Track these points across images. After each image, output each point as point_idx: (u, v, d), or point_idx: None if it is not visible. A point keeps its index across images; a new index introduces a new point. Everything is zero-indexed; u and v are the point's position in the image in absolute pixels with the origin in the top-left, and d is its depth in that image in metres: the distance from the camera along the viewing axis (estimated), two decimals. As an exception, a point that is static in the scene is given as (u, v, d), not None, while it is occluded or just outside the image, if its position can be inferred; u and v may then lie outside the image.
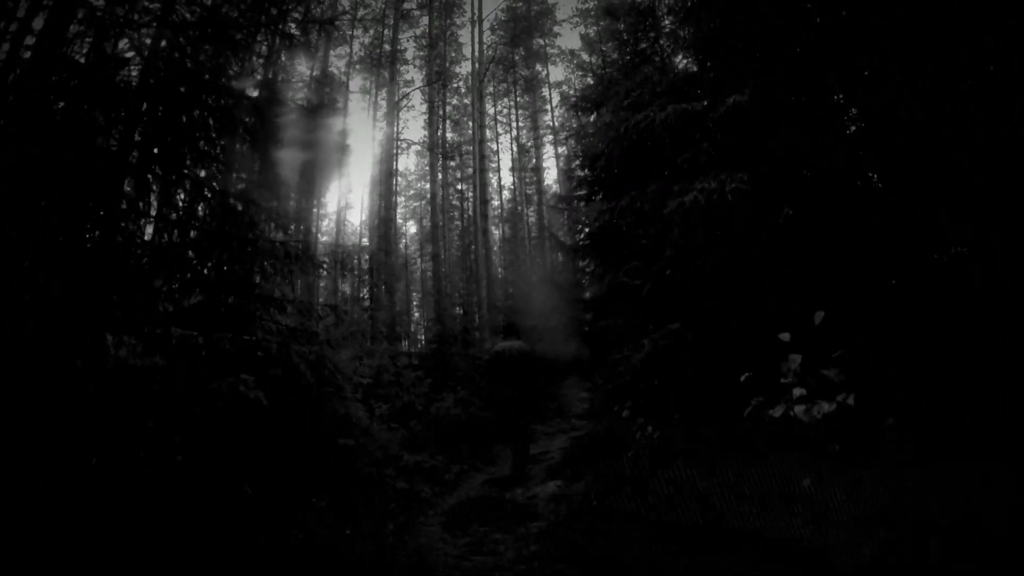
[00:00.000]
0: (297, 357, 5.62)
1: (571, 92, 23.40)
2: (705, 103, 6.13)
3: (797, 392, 3.77)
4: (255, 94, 5.60)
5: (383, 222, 17.71)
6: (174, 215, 4.89)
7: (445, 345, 14.32)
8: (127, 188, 4.53)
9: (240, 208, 5.21)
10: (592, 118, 12.05)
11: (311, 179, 8.00)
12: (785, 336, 3.87)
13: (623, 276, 7.30)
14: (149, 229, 4.88)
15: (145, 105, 4.55)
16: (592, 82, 11.57)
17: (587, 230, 11.60)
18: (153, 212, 4.71)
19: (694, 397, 5.77)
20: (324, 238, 19.55)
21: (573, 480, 8.04)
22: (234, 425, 4.66)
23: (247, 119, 5.12)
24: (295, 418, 6.39)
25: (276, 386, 5.46)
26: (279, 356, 5.49)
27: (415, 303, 18.19)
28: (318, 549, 6.12)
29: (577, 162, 14.21)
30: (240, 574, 4.23)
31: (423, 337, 20.41)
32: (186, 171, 4.89)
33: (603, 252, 9.94)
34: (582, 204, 11.80)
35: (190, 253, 4.90)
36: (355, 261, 18.36)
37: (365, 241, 21.06)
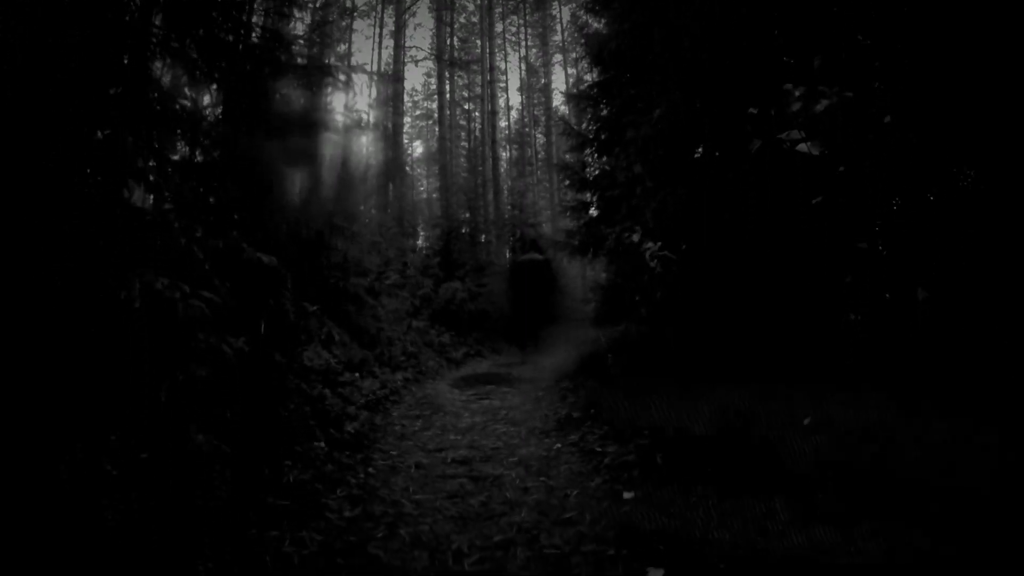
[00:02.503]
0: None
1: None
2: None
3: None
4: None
5: (394, 128, 17.55)
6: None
7: (452, 241, 14.35)
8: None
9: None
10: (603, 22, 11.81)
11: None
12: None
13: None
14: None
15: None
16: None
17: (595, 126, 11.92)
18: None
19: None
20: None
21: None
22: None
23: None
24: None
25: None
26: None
27: (420, 227, 18.09)
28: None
29: (586, 63, 13.96)
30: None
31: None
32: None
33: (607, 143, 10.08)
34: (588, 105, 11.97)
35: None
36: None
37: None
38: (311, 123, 7.60)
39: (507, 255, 17.59)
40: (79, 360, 2.77)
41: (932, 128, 3.36)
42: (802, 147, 4.01)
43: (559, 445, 5.27)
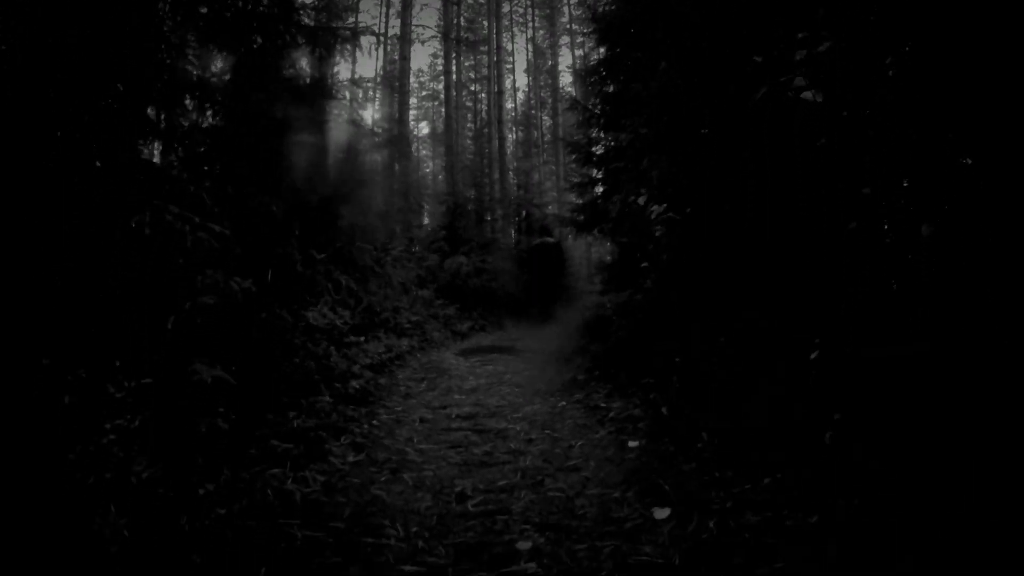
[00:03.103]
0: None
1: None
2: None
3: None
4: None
5: (400, 105, 17.46)
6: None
7: (457, 218, 14.30)
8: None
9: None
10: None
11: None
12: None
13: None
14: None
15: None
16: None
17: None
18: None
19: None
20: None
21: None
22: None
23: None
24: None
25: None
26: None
27: (426, 205, 18.03)
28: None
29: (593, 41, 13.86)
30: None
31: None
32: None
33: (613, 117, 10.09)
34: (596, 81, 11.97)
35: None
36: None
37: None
38: (318, 88, 7.57)
39: (513, 235, 17.56)
40: (86, 285, 2.75)
41: (934, 70, 3.29)
42: (806, 95, 3.98)
43: (563, 403, 5.26)
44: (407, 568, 2.66)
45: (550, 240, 10.84)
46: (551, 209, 18.37)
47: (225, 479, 2.86)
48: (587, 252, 19.46)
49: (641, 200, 5.95)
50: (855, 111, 3.78)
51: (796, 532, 2.69)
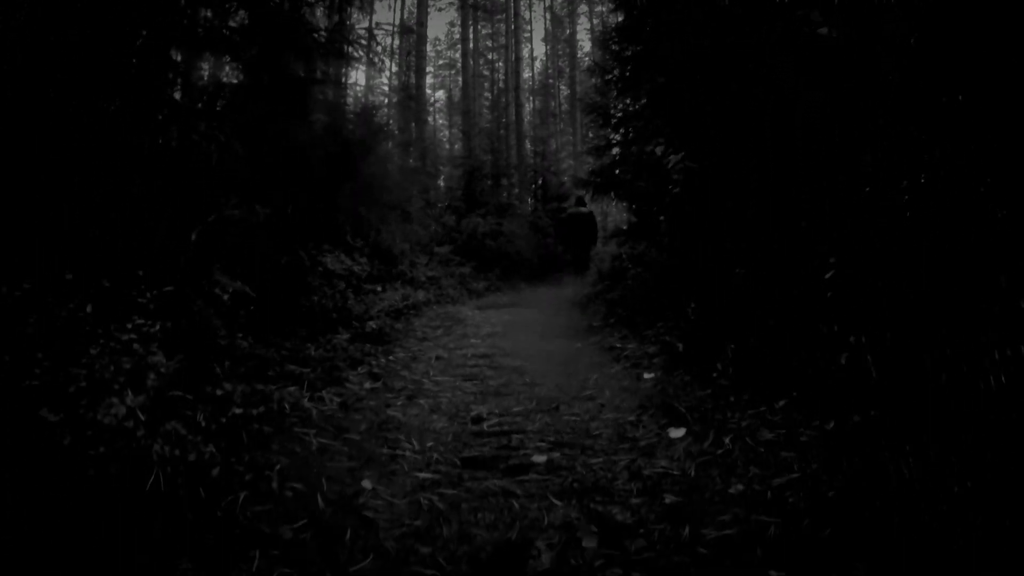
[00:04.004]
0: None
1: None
2: None
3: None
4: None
5: (416, 69, 17.36)
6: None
7: (474, 181, 14.24)
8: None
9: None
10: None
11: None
12: None
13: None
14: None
15: None
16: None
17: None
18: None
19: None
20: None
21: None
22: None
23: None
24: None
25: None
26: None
27: (443, 168, 17.95)
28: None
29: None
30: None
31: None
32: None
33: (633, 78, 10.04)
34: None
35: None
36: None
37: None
38: (335, 41, 7.50)
39: (529, 202, 17.47)
40: (113, 199, 2.77)
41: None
42: (822, 31, 3.95)
43: (579, 345, 5.26)
44: (422, 475, 2.69)
45: (584, 210, 11.23)
46: (568, 177, 18.21)
47: (242, 390, 2.88)
48: (603, 221, 19.34)
49: (658, 150, 5.88)
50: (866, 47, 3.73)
51: (811, 446, 2.67)
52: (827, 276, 3.13)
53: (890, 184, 3.23)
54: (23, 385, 1.97)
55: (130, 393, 2.05)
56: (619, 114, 12.20)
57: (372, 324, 5.15)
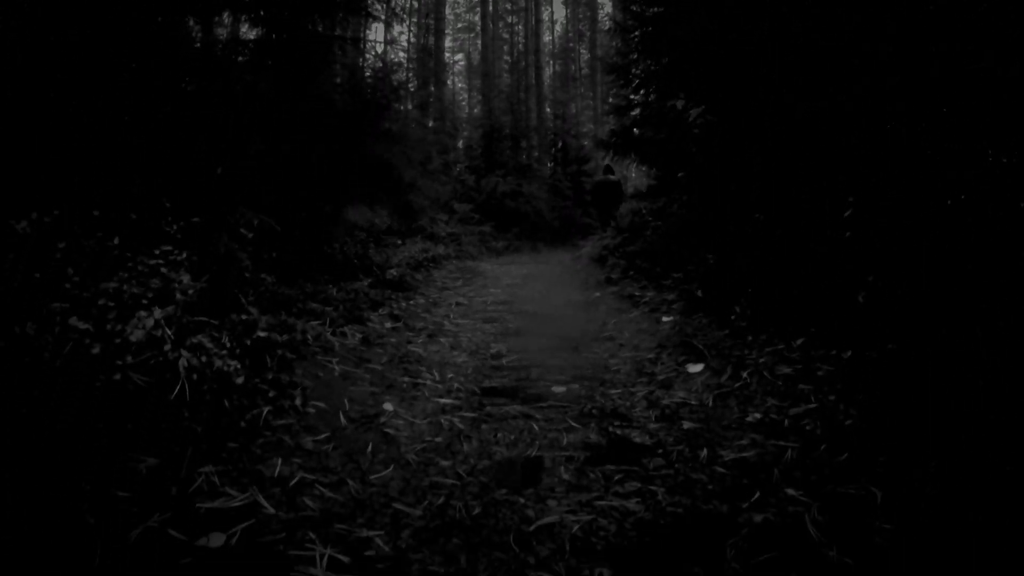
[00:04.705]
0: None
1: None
2: None
3: None
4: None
5: (436, 30, 17.18)
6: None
7: (493, 142, 14.15)
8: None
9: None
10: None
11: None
12: None
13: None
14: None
15: None
16: None
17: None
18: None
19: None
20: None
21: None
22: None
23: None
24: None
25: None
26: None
27: (463, 132, 17.82)
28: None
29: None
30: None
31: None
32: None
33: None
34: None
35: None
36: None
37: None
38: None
39: (549, 165, 17.34)
40: (141, 138, 2.80)
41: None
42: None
43: (598, 294, 5.27)
44: (442, 400, 2.74)
45: (612, 178, 11.63)
46: (588, 140, 18.00)
47: (267, 319, 2.94)
48: (624, 187, 19.12)
49: (679, 104, 5.80)
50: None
51: (828, 380, 2.67)
52: (846, 215, 3.10)
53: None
54: (52, 306, 2.02)
55: (157, 309, 2.09)
56: (641, 74, 12.04)
57: (393, 272, 5.20)
